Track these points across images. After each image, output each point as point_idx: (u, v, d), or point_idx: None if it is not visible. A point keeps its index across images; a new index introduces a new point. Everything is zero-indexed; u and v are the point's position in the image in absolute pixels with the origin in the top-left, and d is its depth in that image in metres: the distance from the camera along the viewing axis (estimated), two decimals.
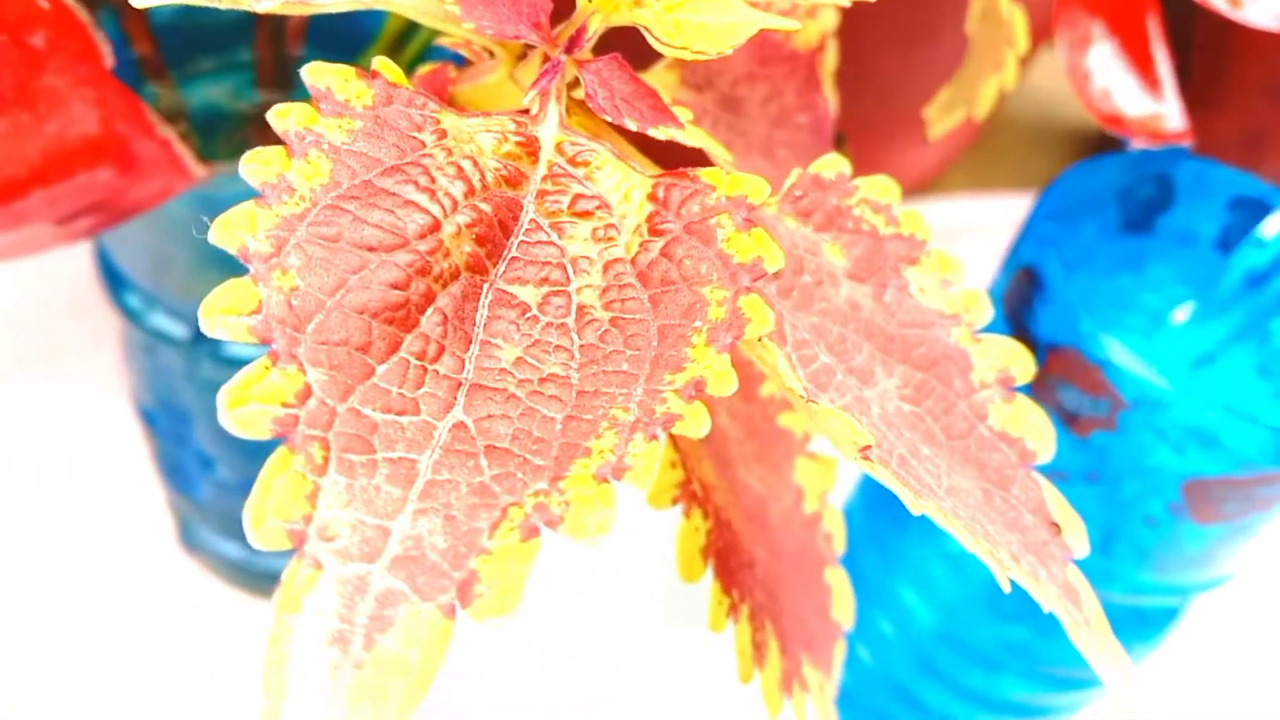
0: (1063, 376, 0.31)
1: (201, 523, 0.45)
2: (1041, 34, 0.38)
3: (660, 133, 0.19)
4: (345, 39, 0.38)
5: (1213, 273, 0.37)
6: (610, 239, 0.18)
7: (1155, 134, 0.36)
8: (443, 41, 0.23)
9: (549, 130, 0.19)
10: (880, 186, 0.23)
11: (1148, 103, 0.36)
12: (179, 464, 0.43)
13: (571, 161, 0.19)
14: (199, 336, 0.38)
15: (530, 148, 0.18)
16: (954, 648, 0.38)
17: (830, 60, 0.31)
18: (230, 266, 0.38)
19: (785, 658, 0.25)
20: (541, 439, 0.15)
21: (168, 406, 0.42)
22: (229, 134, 0.38)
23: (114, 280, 0.39)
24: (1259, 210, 0.35)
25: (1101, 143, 0.59)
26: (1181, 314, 0.38)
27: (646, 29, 0.19)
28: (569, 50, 0.19)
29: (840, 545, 0.29)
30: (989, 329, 0.34)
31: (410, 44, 0.37)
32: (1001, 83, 0.30)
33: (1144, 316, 0.39)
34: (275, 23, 0.36)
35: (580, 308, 0.17)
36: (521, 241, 0.18)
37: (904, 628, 0.39)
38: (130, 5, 0.34)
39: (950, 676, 0.39)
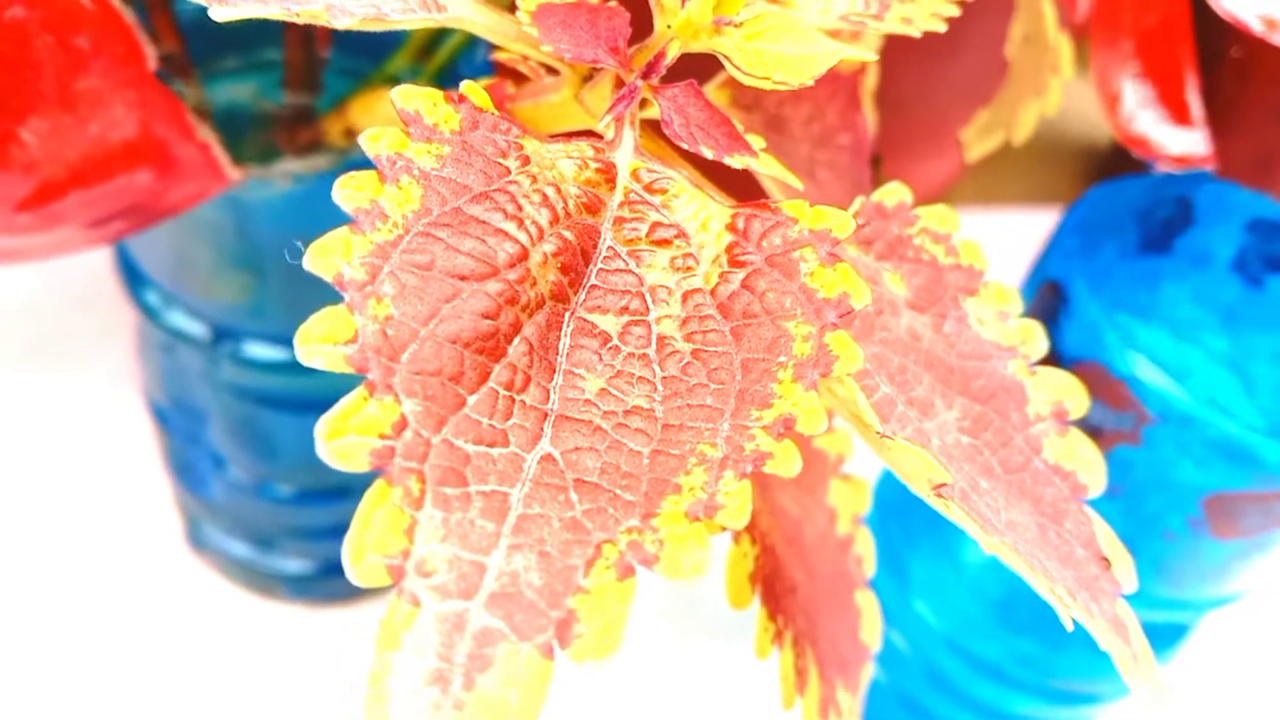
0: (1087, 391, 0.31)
1: (210, 522, 0.44)
2: None
3: (736, 161, 0.19)
4: (373, 42, 0.37)
5: (1233, 292, 0.37)
6: (689, 269, 0.18)
7: (1180, 159, 0.36)
8: (499, 56, 0.22)
9: (624, 156, 0.19)
10: (940, 216, 0.23)
11: (1175, 128, 0.37)
12: (191, 463, 0.43)
13: (648, 189, 0.18)
14: (219, 336, 0.38)
15: (608, 174, 0.18)
16: (965, 660, 0.38)
17: (871, 80, 0.31)
18: (251, 268, 0.38)
19: (823, 683, 0.25)
20: (630, 473, 0.15)
21: (182, 405, 0.41)
22: (254, 135, 0.38)
23: (133, 277, 0.38)
24: (1276, 232, 0.36)
25: (1113, 158, 0.59)
26: (1202, 332, 0.38)
27: (726, 58, 0.19)
28: (645, 76, 0.19)
29: (870, 568, 0.29)
30: None
31: (440, 49, 0.37)
32: (1043, 108, 0.30)
33: (1165, 334, 0.39)
34: (306, 25, 0.36)
35: (661, 338, 0.17)
36: (600, 269, 0.17)
37: (915, 640, 0.39)
38: (158, 1, 0.34)
39: (960, 689, 0.39)
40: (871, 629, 0.29)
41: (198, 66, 0.37)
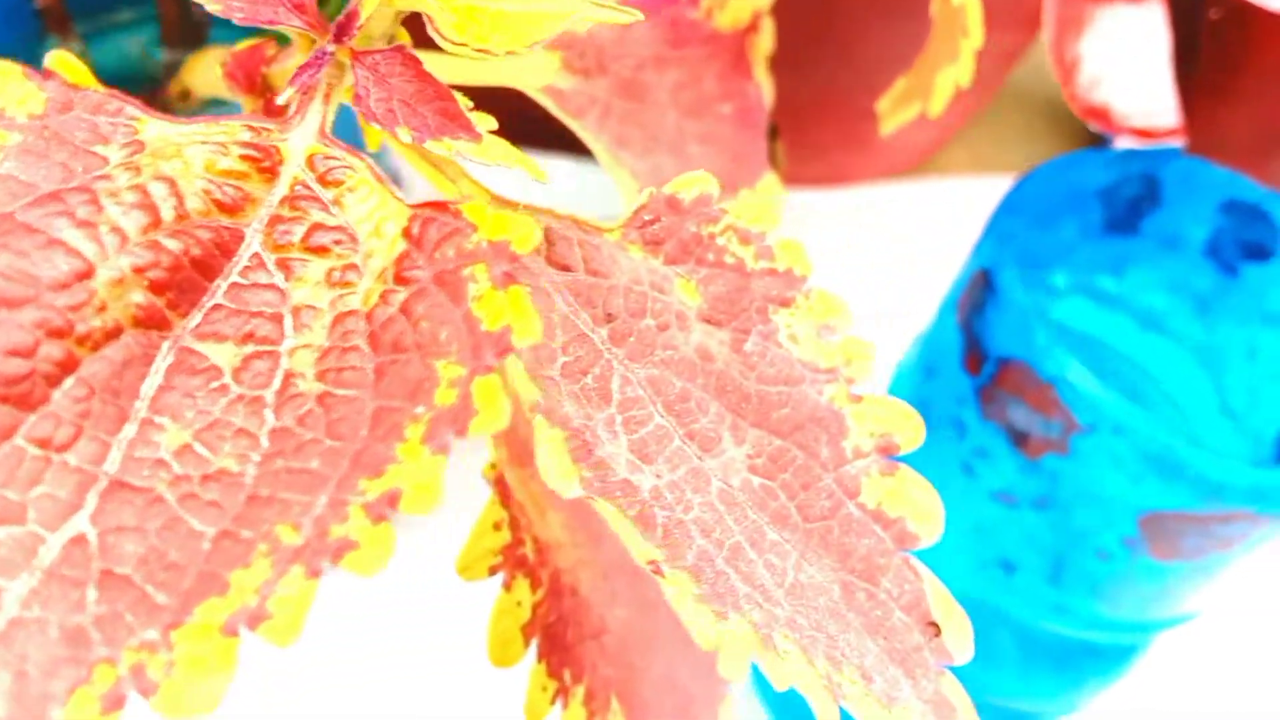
0: (1013, 392, 0.28)
1: None
2: None
3: (442, 147, 0.15)
4: None
5: (1202, 282, 0.33)
6: (348, 284, 0.14)
7: (1147, 131, 0.32)
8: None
9: (303, 139, 0.15)
10: (754, 211, 0.19)
11: (1142, 96, 0.32)
12: None
13: (322, 180, 0.15)
14: None
15: (267, 162, 0.15)
16: None
17: (766, 41, 0.27)
18: None
19: None
20: (176, 564, 0.12)
21: None
22: (147, 96, 0.35)
23: None
24: (1253, 217, 0.31)
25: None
26: (1153, 329, 0.34)
27: (429, 18, 0.15)
28: (339, 38, 0.16)
29: None
30: (942, 335, 0.30)
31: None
32: (957, 76, 0.26)
33: (1107, 333, 0.35)
34: None
35: (288, 376, 0.13)
36: (234, 285, 0.14)
37: None
38: None
39: None
40: (734, 661, 0.25)
41: (80, 20, 0.34)
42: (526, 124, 0.22)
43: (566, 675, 0.20)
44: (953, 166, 0.50)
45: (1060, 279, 0.34)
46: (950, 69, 0.26)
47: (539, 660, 0.20)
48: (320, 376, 0.13)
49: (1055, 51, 0.32)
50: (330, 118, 0.16)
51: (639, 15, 0.16)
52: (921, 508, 0.19)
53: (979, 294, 0.29)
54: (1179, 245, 0.32)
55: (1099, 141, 0.54)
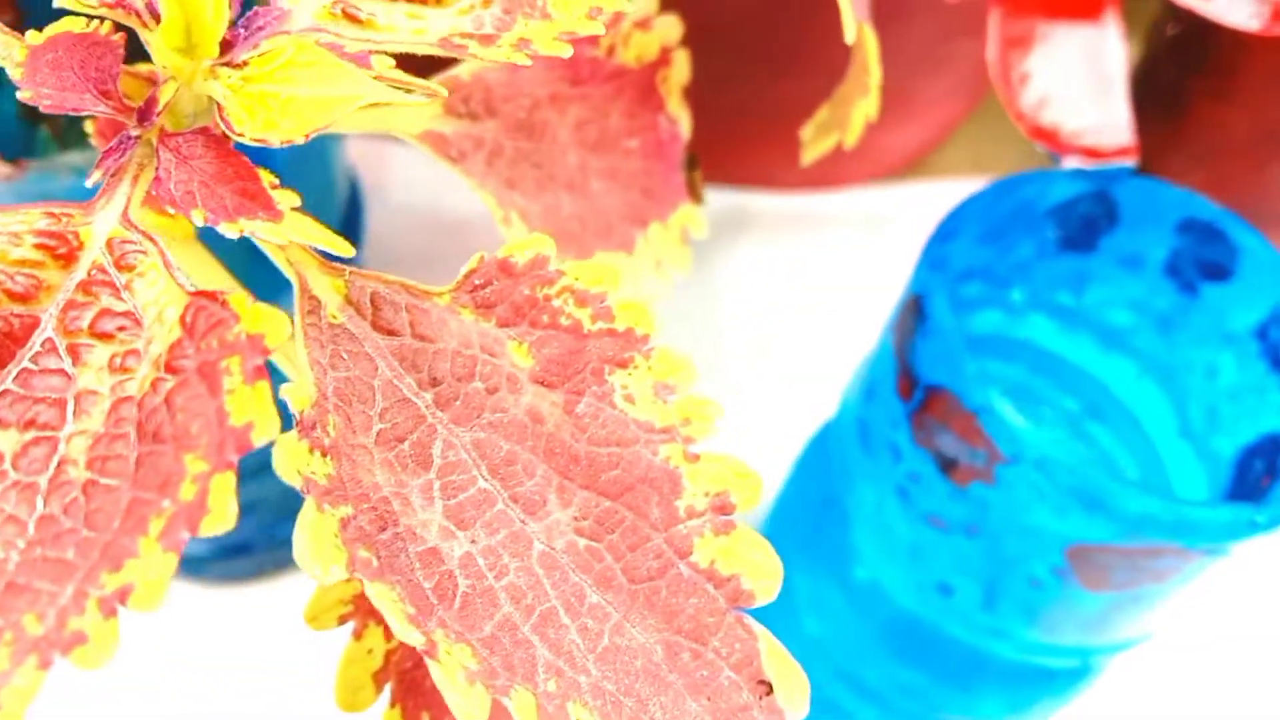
0: (941, 420, 0.27)
1: None
2: None
3: (231, 229, 0.16)
4: None
5: (1155, 308, 0.32)
6: (129, 370, 0.15)
7: (1098, 151, 0.31)
8: None
9: (107, 222, 0.16)
10: (593, 273, 0.19)
11: (1094, 114, 0.32)
12: None
13: (118, 264, 0.16)
14: None
15: (64, 249, 0.15)
16: (850, 686, 0.35)
17: (680, 73, 0.27)
18: None
19: None
20: None
21: None
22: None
23: None
24: (1209, 235, 0.31)
25: None
26: (1114, 352, 0.34)
27: (219, 108, 0.16)
28: (141, 122, 0.16)
29: None
30: (882, 358, 0.30)
31: None
32: (867, 109, 0.26)
33: (1074, 350, 0.35)
34: None
35: (62, 463, 0.14)
36: (24, 370, 0.15)
37: (804, 662, 0.36)
38: None
39: (849, 715, 0.36)
40: None
41: None
42: None
43: (425, 717, 0.21)
44: (952, 167, 0.50)
45: (1019, 296, 0.34)
46: (863, 103, 0.26)
47: (393, 705, 0.20)
48: (90, 464, 0.14)
49: (1000, 69, 0.31)
50: (137, 198, 0.16)
51: (438, 89, 0.16)
52: (757, 565, 0.19)
53: (911, 320, 0.29)
54: (1138, 264, 0.32)
55: None
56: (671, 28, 0.26)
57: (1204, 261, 0.31)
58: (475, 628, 0.16)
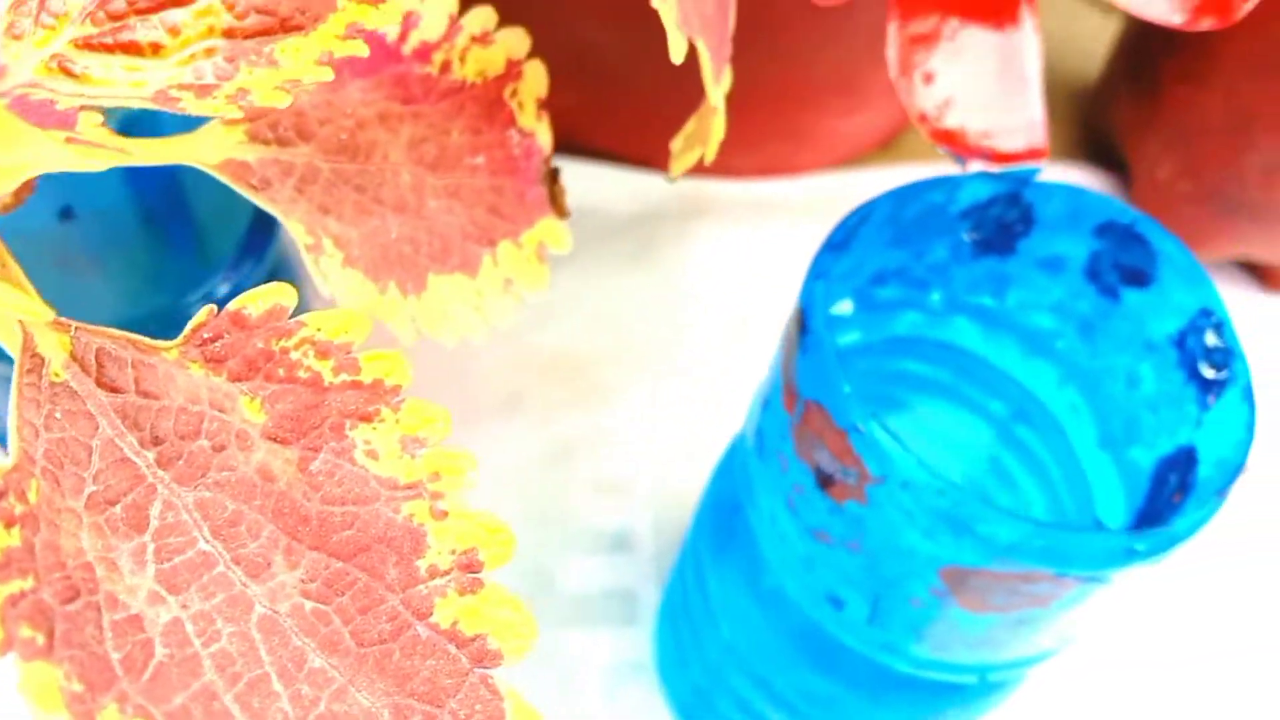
0: (818, 435, 0.27)
1: None
2: None
3: None
4: None
5: (1076, 313, 0.31)
6: None
7: (1008, 154, 0.30)
8: None
9: None
10: (338, 322, 0.18)
11: (1006, 116, 0.30)
12: None
13: None
14: None
15: None
16: (764, 691, 0.35)
17: (533, 86, 0.26)
18: None
19: None
20: None
21: None
22: None
23: None
24: (1128, 239, 0.29)
25: (1101, 99, 0.51)
26: (1037, 358, 0.32)
27: None
28: None
29: None
30: (776, 368, 0.29)
31: None
32: (719, 126, 0.25)
33: (997, 354, 0.34)
34: None
35: None
36: None
37: (720, 664, 0.36)
38: None
39: (754, 714, 0.36)
40: None
41: None
42: None
43: None
44: (925, 151, 0.48)
45: (938, 298, 0.33)
46: (717, 119, 0.25)
47: None
48: None
49: (901, 68, 0.30)
50: None
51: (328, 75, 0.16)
52: (505, 624, 0.19)
53: (794, 331, 0.28)
54: (1058, 268, 0.31)
55: (1084, 121, 0.51)
56: (517, 41, 0.26)
57: (1124, 266, 0.30)
58: (163, 699, 0.16)
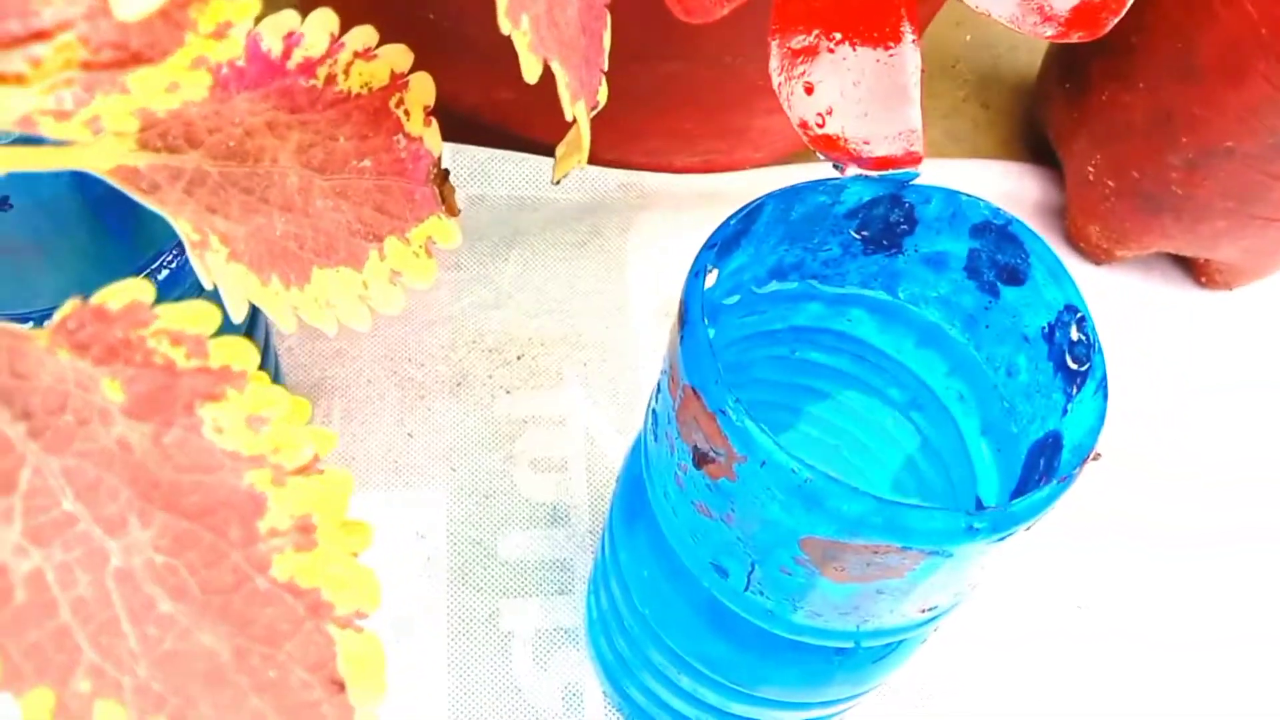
0: (694, 418, 0.29)
1: None
2: None
3: None
4: None
5: (961, 307, 0.33)
6: None
7: (886, 160, 0.32)
8: None
9: None
10: (190, 315, 0.21)
11: (885, 124, 0.32)
12: None
13: None
14: None
15: None
16: (673, 659, 0.37)
17: (420, 94, 0.29)
18: None
19: None
20: None
21: None
22: None
23: None
24: (1003, 238, 0.31)
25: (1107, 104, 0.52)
26: (928, 348, 0.35)
27: None
28: None
29: None
30: (667, 359, 0.32)
31: None
32: (585, 138, 0.27)
33: (892, 345, 0.36)
34: None
35: None
36: None
37: (635, 634, 0.39)
38: None
39: (676, 685, 0.38)
40: None
41: None
42: None
43: None
44: (953, 156, 0.50)
45: (834, 291, 0.35)
46: (583, 131, 0.28)
47: None
48: None
49: (783, 76, 0.32)
50: None
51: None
52: (339, 579, 0.21)
53: (678, 321, 0.30)
54: (942, 265, 0.33)
55: (1086, 123, 0.52)
56: (400, 56, 0.28)
57: (1000, 265, 0.32)
58: (18, 635, 0.19)
